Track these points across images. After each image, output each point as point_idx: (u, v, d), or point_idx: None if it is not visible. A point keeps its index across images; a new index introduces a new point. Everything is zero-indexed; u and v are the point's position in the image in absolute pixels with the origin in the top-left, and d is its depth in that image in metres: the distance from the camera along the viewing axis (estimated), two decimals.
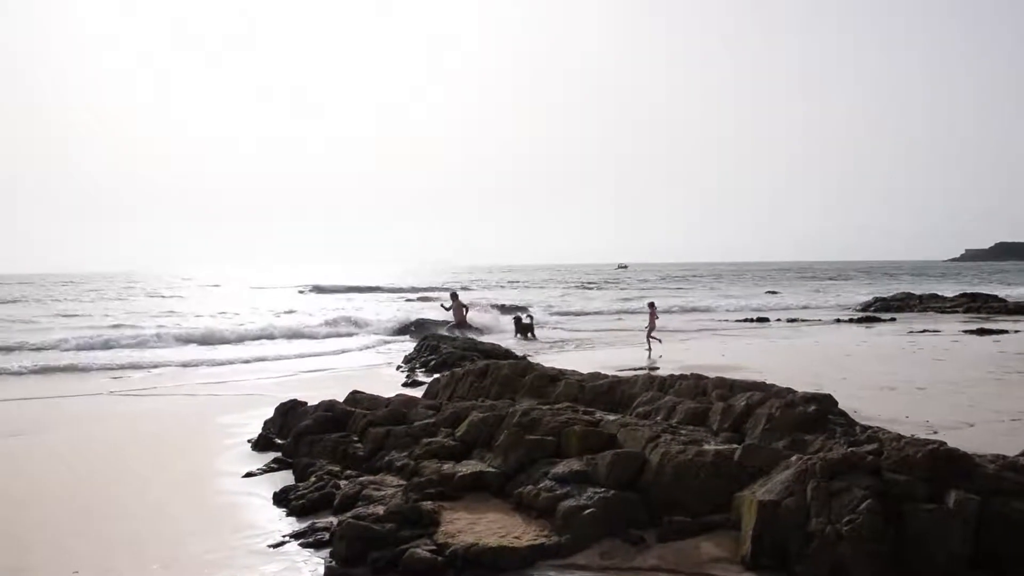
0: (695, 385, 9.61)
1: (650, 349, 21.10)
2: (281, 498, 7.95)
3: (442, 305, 25.59)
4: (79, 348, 22.71)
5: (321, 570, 6.15)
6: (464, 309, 25.63)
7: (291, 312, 40.57)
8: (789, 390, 8.76)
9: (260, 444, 10.31)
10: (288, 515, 7.56)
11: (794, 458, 6.38)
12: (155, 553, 6.59)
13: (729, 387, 9.19)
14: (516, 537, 6.27)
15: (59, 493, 8.65)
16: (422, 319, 29.41)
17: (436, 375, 15.01)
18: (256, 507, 7.88)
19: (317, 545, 6.63)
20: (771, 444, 7.12)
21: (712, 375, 10.07)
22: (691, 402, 8.80)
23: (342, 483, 7.85)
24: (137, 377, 18.18)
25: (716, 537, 6.21)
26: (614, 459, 6.90)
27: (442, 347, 19.58)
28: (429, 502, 6.82)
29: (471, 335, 23.86)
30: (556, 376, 10.51)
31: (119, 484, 9.01)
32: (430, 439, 8.39)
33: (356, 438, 9.17)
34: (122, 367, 19.77)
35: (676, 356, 19.61)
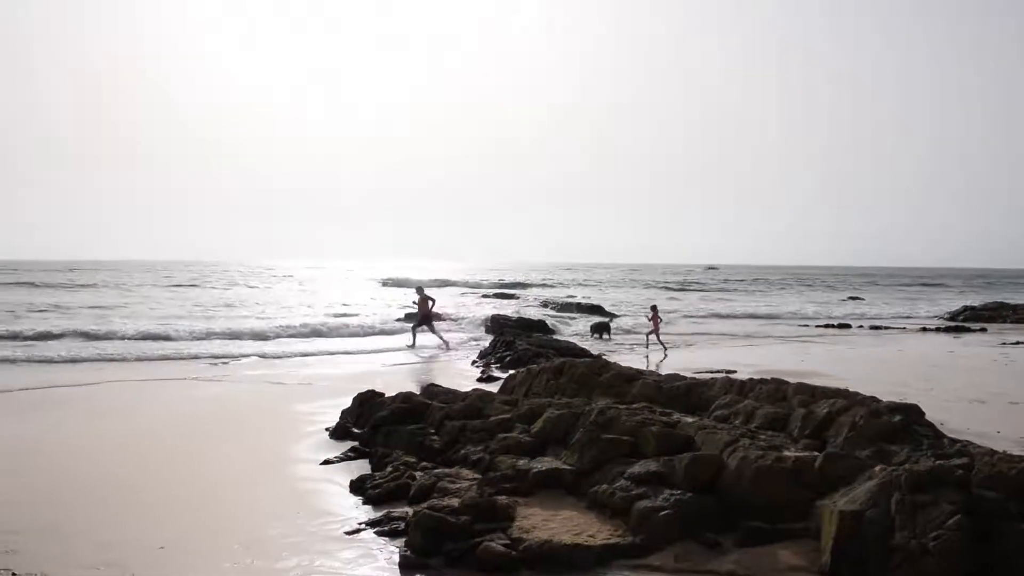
0: (775, 390, 9.44)
1: (664, 348, 22.06)
2: (357, 486, 8.08)
3: (413, 302, 25.63)
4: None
5: (396, 559, 6.22)
6: (430, 303, 25.48)
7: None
8: (873, 398, 8.54)
9: (338, 433, 10.51)
10: (364, 503, 7.69)
11: (878, 468, 6.21)
12: (236, 535, 6.76)
13: (811, 393, 9.00)
14: (590, 535, 6.26)
15: (147, 474, 8.98)
16: (498, 315, 29.51)
17: (511, 371, 15.06)
18: (333, 494, 8.03)
19: (392, 534, 6.73)
20: (854, 453, 6.95)
21: (792, 380, 9.89)
22: (771, 407, 8.64)
23: (417, 474, 7.95)
24: (232, 365, 18.73)
25: (794, 545, 6.09)
26: (691, 461, 6.82)
27: (517, 343, 19.66)
28: (504, 497, 6.86)
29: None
30: (633, 376, 10.44)
31: (202, 467, 9.30)
32: (505, 434, 8.42)
33: (432, 430, 9.27)
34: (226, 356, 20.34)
35: (753, 360, 19.29)
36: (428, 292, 24.37)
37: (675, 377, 10.52)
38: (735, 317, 37.55)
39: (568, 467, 7.48)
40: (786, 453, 6.87)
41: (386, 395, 10.96)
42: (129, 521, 7.20)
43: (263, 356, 20.34)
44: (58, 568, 5.98)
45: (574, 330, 28.59)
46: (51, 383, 15.87)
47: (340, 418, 10.94)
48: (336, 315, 33.17)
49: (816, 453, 6.86)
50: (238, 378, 16.79)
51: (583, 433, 7.77)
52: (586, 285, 74.71)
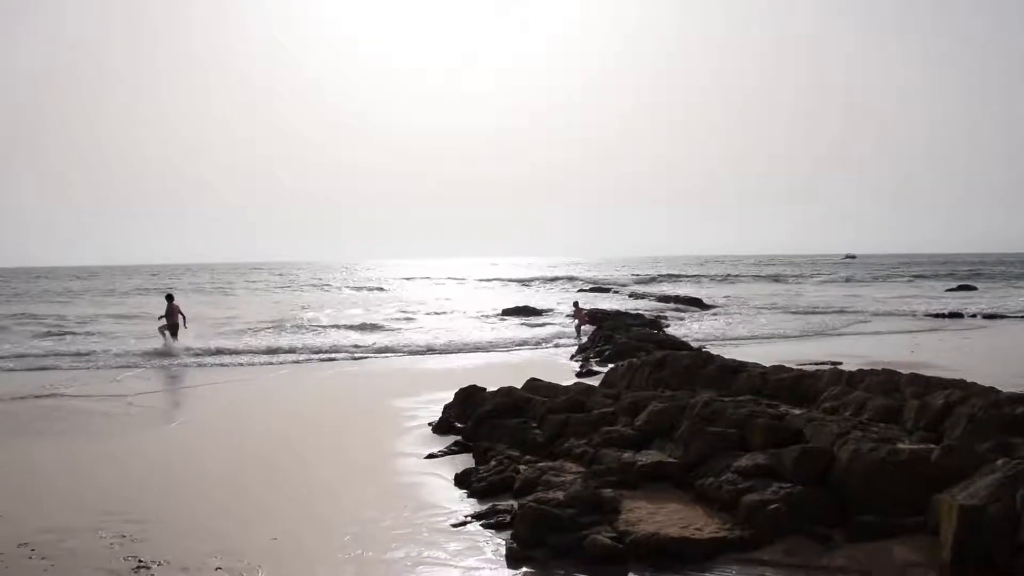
0: (886, 381, 9.12)
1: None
2: (462, 480, 8.18)
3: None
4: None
5: (502, 551, 6.27)
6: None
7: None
8: (992, 389, 8.17)
9: (441, 427, 10.66)
10: (469, 496, 7.78)
11: (1000, 462, 5.93)
12: (346, 526, 6.92)
13: (924, 384, 8.68)
14: (697, 528, 6.18)
15: (259, 468, 9.31)
16: (596, 309, 29.40)
17: (611, 365, 14.99)
18: (438, 487, 8.15)
19: (498, 527, 6.78)
20: (973, 446, 6.66)
21: (903, 371, 9.55)
22: (882, 398, 8.36)
23: (521, 468, 7.99)
24: (338, 360, 19.25)
25: (911, 540, 5.87)
26: (801, 454, 6.65)
27: (616, 337, 19.54)
28: (609, 490, 6.82)
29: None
30: (737, 368, 10.26)
31: (310, 461, 9.58)
32: (609, 428, 8.39)
33: (535, 424, 9.31)
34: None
35: (860, 351, 18.71)
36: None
37: (781, 369, 10.28)
38: (839, 310, 34.79)
39: (673, 460, 7.40)
40: (900, 446, 6.64)
41: (487, 390, 11.05)
42: (243, 513, 7.46)
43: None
44: (180, 556, 6.24)
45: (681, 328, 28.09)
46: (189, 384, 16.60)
47: (443, 413, 11.08)
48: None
49: (932, 446, 6.61)
50: (335, 374, 17.24)
51: (688, 426, 7.67)
52: (714, 282, 67.52)
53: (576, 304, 23.85)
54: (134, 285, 69.56)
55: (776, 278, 68.86)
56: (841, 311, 33.60)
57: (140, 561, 6.15)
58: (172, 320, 21.30)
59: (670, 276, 71.85)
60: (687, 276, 73.56)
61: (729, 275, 75.84)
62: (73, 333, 27.16)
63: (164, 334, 21.09)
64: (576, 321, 23.23)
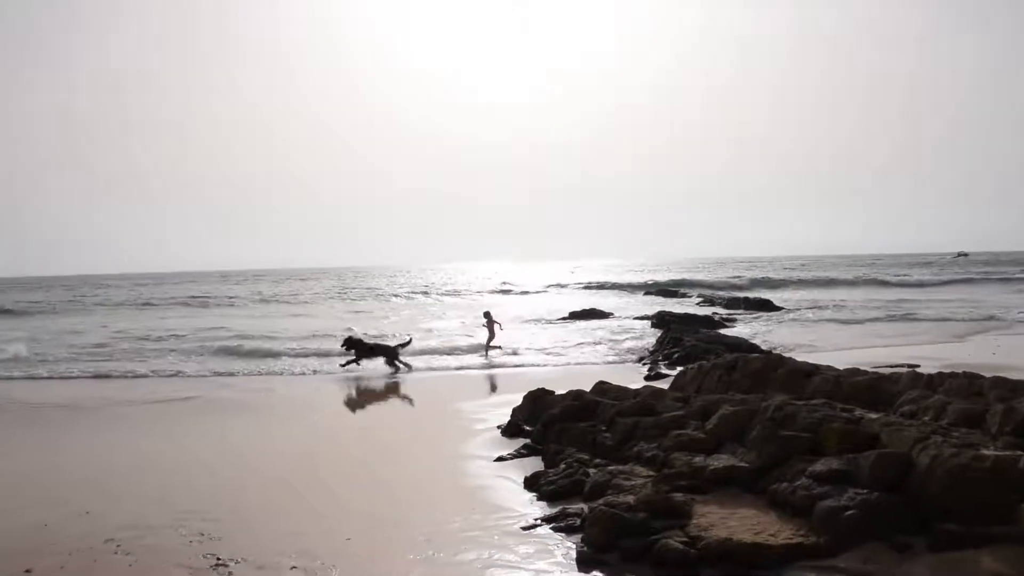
0: (968, 384, 8.85)
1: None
2: (532, 483, 8.19)
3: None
4: None
5: (573, 554, 6.26)
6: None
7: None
8: None
9: (509, 430, 10.68)
10: (539, 499, 7.78)
11: None
12: (418, 528, 6.99)
13: (1010, 388, 8.39)
14: (771, 535, 6.08)
15: (332, 469, 9.49)
16: (664, 312, 29.16)
17: (680, 368, 14.85)
18: (508, 490, 8.17)
19: (568, 530, 6.77)
20: None
21: (986, 374, 9.25)
22: (964, 402, 8.10)
23: (591, 471, 7.97)
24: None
25: (998, 551, 5.67)
26: (878, 459, 6.49)
27: (685, 340, 19.35)
28: (680, 494, 6.76)
29: None
30: (810, 371, 10.07)
31: (382, 462, 9.73)
32: (679, 431, 8.31)
33: (604, 428, 9.27)
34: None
35: (941, 354, 18.17)
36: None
37: (856, 372, 10.05)
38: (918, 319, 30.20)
39: (745, 464, 7.29)
40: (984, 452, 6.42)
41: (555, 393, 11.05)
42: (318, 513, 7.59)
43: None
44: (256, 554, 6.38)
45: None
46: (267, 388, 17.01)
47: (511, 416, 11.10)
48: None
49: (1019, 452, 6.38)
50: (408, 379, 17.42)
51: (760, 430, 7.55)
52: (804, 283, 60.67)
53: (488, 314, 22.37)
54: (213, 291, 70.04)
55: (882, 281, 61.20)
56: (991, 317, 28.53)
57: (218, 559, 6.31)
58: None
59: (763, 280, 63.92)
60: (780, 280, 65.76)
61: (821, 277, 68.16)
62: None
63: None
64: (488, 333, 21.85)
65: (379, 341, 20.64)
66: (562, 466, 8.33)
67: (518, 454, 9.54)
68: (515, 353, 21.07)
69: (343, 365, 18.89)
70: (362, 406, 14.35)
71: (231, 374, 18.66)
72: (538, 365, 19.19)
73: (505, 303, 45.78)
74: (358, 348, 19.12)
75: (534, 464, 9.06)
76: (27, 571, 6.16)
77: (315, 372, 18.79)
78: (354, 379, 17.79)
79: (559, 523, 6.92)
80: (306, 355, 21.42)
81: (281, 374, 18.56)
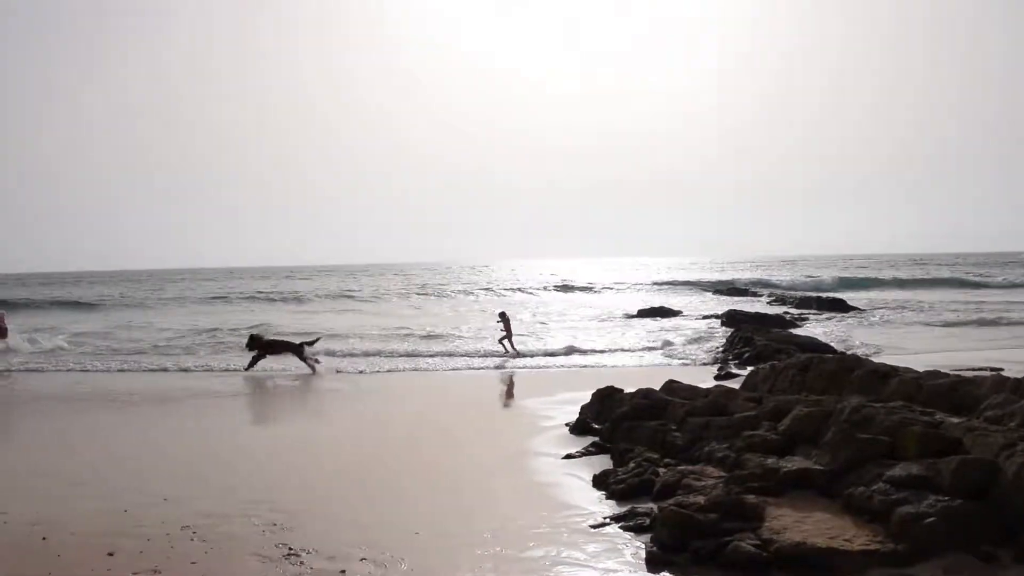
0: None
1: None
2: (600, 481, 8.14)
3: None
4: None
5: (642, 554, 6.20)
6: None
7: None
8: None
9: (578, 428, 10.65)
10: (607, 498, 7.73)
11: None
12: (485, 523, 7.00)
13: None
14: (847, 540, 5.92)
15: (400, 463, 9.56)
16: (734, 311, 28.75)
17: (750, 368, 14.61)
18: (576, 488, 8.14)
19: (638, 529, 6.70)
20: None
21: None
22: None
23: (661, 470, 7.88)
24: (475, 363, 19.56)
25: None
26: (960, 465, 6.27)
27: (756, 339, 19.03)
28: (752, 496, 6.63)
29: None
30: (888, 372, 9.77)
31: (450, 458, 9.78)
32: (751, 432, 8.15)
33: (674, 427, 9.16)
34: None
35: (1020, 357, 17.53)
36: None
37: (936, 374, 9.73)
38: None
39: (820, 467, 7.12)
40: None
41: (624, 391, 10.96)
42: (387, 506, 7.66)
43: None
44: (327, 546, 6.46)
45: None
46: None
47: (579, 413, 11.05)
48: None
49: None
50: (470, 374, 17.50)
51: (836, 432, 7.37)
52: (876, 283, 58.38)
53: (503, 315, 22.19)
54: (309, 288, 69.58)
55: (964, 280, 57.21)
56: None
57: (290, 549, 6.41)
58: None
59: (841, 280, 59.55)
60: (857, 279, 61.60)
61: (899, 276, 63.24)
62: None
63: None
64: (503, 333, 21.53)
65: (279, 338, 20.26)
66: (631, 465, 8.26)
67: (586, 452, 9.50)
68: (583, 350, 21.01)
69: (248, 367, 18.64)
70: (432, 401, 14.43)
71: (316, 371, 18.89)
72: (606, 362, 19.11)
73: (569, 301, 45.74)
74: (260, 345, 18.89)
75: (602, 462, 9.01)
76: (110, 554, 6.35)
77: (389, 371, 18.92)
78: (428, 373, 17.95)
79: (628, 522, 6.86)
80: (393, 355, 21.41)
81: (363, 372, 18.66)
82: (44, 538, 6.78)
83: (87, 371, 19.53)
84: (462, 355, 20.95)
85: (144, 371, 19.36)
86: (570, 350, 21.16)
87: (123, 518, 7.29)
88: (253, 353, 18.68)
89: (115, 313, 43.00)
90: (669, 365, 18.27)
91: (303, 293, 57.56)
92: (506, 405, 13.32)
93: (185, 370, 19.31)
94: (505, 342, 21.15)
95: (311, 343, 19.26)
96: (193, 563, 6.17)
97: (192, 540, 6.66)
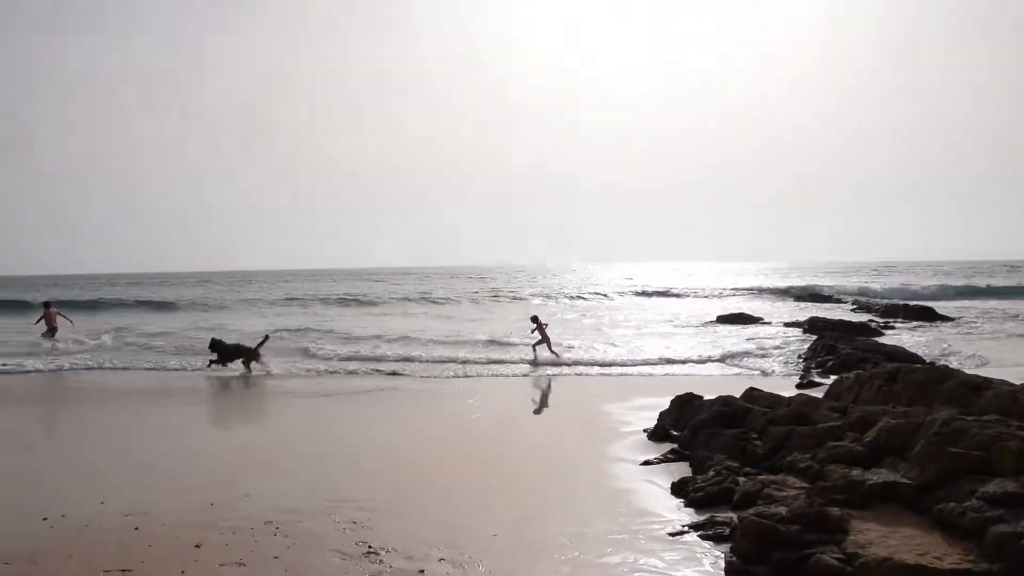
0: None
1: (536, 358, 20.50)
2: (679, 488, 8.04)
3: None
4: None
5: (721, 563, 6.11)
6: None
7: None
8: None
9: (656, 434, 10.54)
10: (686, 506, 7.63)
11: None
12: (563, 528, 6.99)
13: None
14: (936, 557, 5.72)
15: (479, 464, 9.64)
16: (817, 318, 28.11)
17: (834, 377, 14.27)
18: (654, 495, 8.06)
19: (717, 539, 6.61)
20: None
21: None
22: None
23: (741, 479, 7.75)
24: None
25: None
26: None
27: (839, 347, 18.57)
28: (836, 508, 6.47)
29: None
30: (981, 384, 9.42)
31: (527, 461, 9.81)
32: (836, 443, 7.96)
33: (755, 435, 9.00)
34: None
35: None
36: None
37: None
38: None
39: (908, 481, 6.90)
40: None
41: (704, 398, 10.83)
42: (465, 507, 7.71)
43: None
44: (406, 545, 6.53)
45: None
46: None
47: (658, 420, 10.96)
48: None
49: None
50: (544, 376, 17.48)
51: (925, 445, 7.13)
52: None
53: (535, 318, 21.80)
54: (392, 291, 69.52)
55: None
56: None
57: (370, 547, 6.50)
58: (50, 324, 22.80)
59: (930, 288, 55.08)
60: (944, 286, 56.86)
61: (993, 285, 57.22)
62: None
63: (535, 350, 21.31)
64: (538, 337, 21.32)
65: (239, 343, 20.55)
66: (711, 473, 8.14)
67: (665, 459, 9.40)
68: (661, 355, 20.79)
69: (208, 365, 19.34)
70: (508, 405, 14.48)
71: (397, 374, 19.08)
72: (685, 368, 18.88)
73: (646, 306, 45.35)
74: (220, 350, 19.54)
75: (681, 469, 8.91)
76: (197, 545, 6.54)
77: (478, 375, 18.99)
78: (513, 378, 18.01)
79: (707, 531, 6.77)
80: (468, 362, 21.40)
81: (455, 376, 18.77)
82: (136, 528, 7.02)
83: (128, 369, 20.16)
84: (533, 360, 20.88)
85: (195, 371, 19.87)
86: (646, 356, 20.95)
87: (209, 512, 7.50)
88: (213, 356, 19.49)
89: (190, 314, 44.11)
90: (748, 373, 17.95)
91: (376, 295, 58.31)
92: (585, 409, 13.26)
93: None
94: (538, 347, 21.11)
95: (262, 343, 19.85)
96: (276, 557, 6.31)
97: (275, 535, 6.81)
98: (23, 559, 6.32)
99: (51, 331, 26.13)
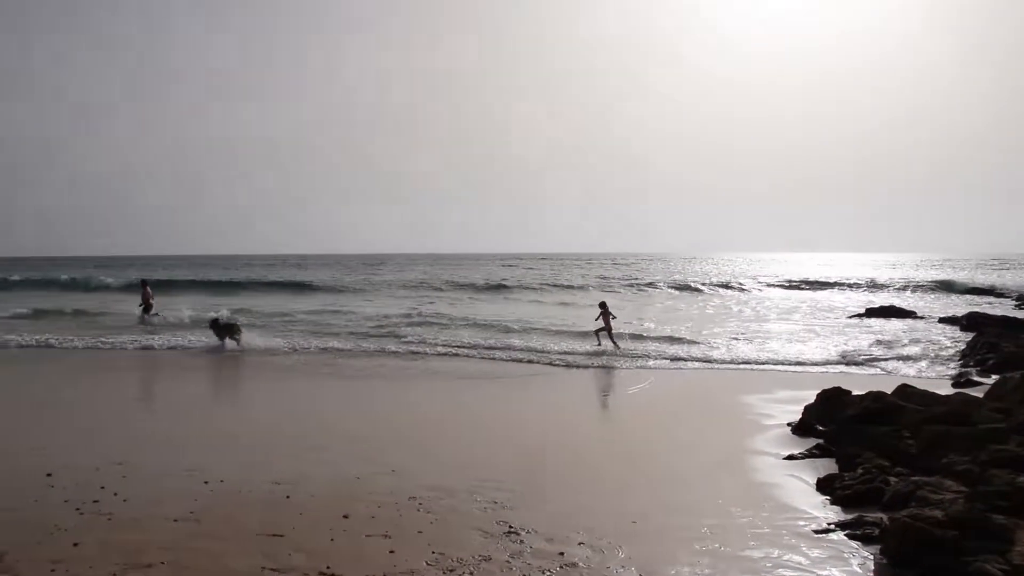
0: None
1: (599, 344, 20.43)
2: (825, 485, 7.80)
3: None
4: None
5: (870, 565, 5.90)
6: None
7: None
8: None
9: (800, 429, 10.24)
10: (832, 503, 7.40)
11: None
12: (703, 519, 6.91)
13: None
14: None
15: (616, 452, 9.63)
16: (976, 313, 26.54)
17: (995, 376, 13.47)
18: (798, 490, 7.84)
19: (865, 539, 6.37)
20: None
21: None
22: None
23: (891, 479, 7.44)
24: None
25: None
26: None
27: (1002, 345, 17.47)
28: (1000, 516, 6.11)
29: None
30: None
31: (670, 448, 9.75)
32: (999, 446, 7.51)
33: (908, 434, 8.61)
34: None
35: None
36: None
37: None
38: None
39: None
40: None
41: (852, 393, 10.43)
42: (603, 493, 7.72)
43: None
44: (546, 527, 6.61)
45: None
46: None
47: (803, 414, 10.63)
48: None
49: None
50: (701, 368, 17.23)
51: None
52: None
53: (603, 305, 21.20)
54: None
55: None
56: None
57: (510, 527, 6.61)
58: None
59: None
60: None
61: None
62: None
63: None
64: (600, 325, 20.83)
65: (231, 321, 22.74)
66: (859, 470, 7.84)
67: (809, 454, 9.12)
68: (808, 348, 20.13)
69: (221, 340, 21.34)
70: (654, 393, 14.36)
71: (532, 362, 19.32)
72: (832, 362, 18.20)
73: (794, 297, 43.96)
74: (218, 327, 21.70)
75: (826, 466, 8.63)
76: (345, 516, 6.82)
77: (615, 366, 19.02)
78: (643, 371, 17.89)
79: (855, 530, 6.54)
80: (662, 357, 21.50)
81: (590, 367, 18.92)
82: (288, 496, 7.39)
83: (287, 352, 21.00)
84: (671, 351, 20.56)
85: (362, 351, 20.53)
86: (787, 348, 20.31)
87: (355, 485, 7.80)
88: (219, 332, 21.68)
89: (324, 296, 44.44)
90: (898, 369, 17.13)
91: (517, 280, 58.71)
92: (726, 401, 13.00)
93: (410, 351, 20.33)
94: (601, 334, 20.82)
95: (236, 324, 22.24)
96: (419, 532, 6.50)
97: (418, 511, 7.02)
98: (189, 518, 6.76)
99: (146, 307, 27.88)
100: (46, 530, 6.42)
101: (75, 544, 6.12)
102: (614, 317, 21.19)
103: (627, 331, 22.50)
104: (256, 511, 6.97)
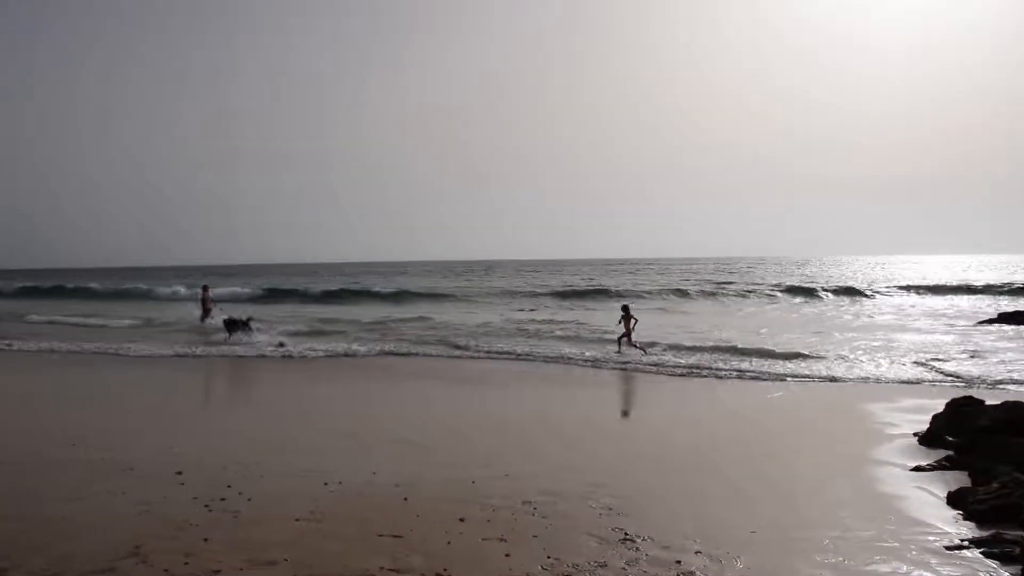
0: None
1: (619, 349, 20.10)
2: (957, 499, 7.43)
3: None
4: None
5: None
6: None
7: None
8: None
9: (928, 439, 9.82)
10: (964, 519, 7.04)
11: None
12: (824, 530, 6.69)
13: None
14: None
15: (735, 461, 9.40)
16: None
17: None
18: (926, 504, 7.51)
19: (1004, 558, 6.04)
20: None
21: None
22: None
23: None
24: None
25: None
26: None
27: None
28: None
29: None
30: None
31: (784, 459, 9.46)
32: None
33: None
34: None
35: None
36: None
37: None
38: None
39: None
40: None
41: (985, 402, 9.93)
42: (722, 503, 7.56)
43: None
44: (661, 534, 6.52)
45: None
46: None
47: (931, 423, 10.17)
48: None
49: None
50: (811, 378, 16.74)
51: None
52: None
53: (626, 308, 20.56)
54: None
55: None
56: None
57: (626, 534, 6.55)
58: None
59: None
60: None
61: None
62: None
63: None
64: (623, 330, 20.28)
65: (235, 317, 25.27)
66: (995, 484, 7.44)
67: (939, 466, 8.71)
68: (930, 354, 19.27)
69: (229, 335, 23.94)
70: (772, 400, 14.03)
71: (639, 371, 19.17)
72: (956, 369, 17.37)
73: (909, 303, 42.26)
74: (231, 325, 24.52)
75: (957, 479, 8.23)
76: (461, 519, 6.90)
77: (718, 376, 18.69)
78: (768, 380, 17.50)
79: (991, 548, 6.20)
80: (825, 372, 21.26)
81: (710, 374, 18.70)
82: (405, 499, 7.51)
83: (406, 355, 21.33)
84: (618, 352, 20.10)
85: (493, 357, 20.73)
86: (907, 354, 19.48)
87: (471, 488, 7.88)
88: (229, 327, 24.45)
89: (412, 305, 44.35)
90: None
91: (616, 286, 58.36)
92: (847, 409, 12.57)
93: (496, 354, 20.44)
94: (623, 339, 20.43)
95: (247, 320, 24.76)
96: (535, 536, 6.52)
97: (532, 515, 7.04)
98: (310, 518, 6.96)
99: (205, 312, 28.64)
100: (178, 525, 6.71)
101: (205, 539, 6.38)
102: (636, 320, 20.87)
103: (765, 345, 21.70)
104: (374, 512, 7.12)
